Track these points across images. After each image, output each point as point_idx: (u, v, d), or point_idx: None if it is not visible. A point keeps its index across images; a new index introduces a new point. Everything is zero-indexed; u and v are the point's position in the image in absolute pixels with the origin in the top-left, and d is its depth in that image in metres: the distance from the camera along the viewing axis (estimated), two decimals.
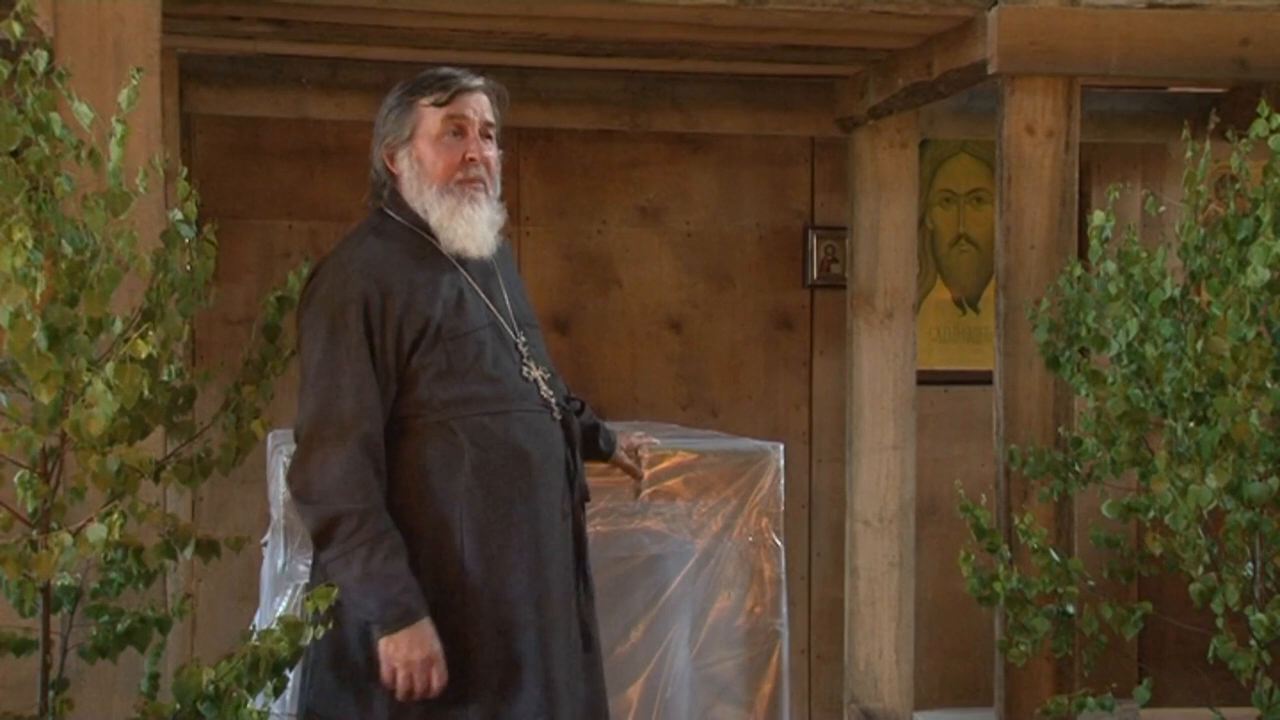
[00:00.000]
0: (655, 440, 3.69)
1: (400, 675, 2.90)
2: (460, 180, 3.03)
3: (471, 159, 3.04)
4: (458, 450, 2.97)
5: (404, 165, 3.06)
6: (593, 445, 3.41)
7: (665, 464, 3.81)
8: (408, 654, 2.88)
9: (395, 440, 2.97)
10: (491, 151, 3.09)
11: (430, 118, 3.04)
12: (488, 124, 3.08)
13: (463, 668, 2.95)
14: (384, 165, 3.09)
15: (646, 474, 3.61)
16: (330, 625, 2.76)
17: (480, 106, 3.07)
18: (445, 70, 3.09)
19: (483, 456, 2.98)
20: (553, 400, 3.13)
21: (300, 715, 3.07)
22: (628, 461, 3.56)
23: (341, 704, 2.99)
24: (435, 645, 2.90)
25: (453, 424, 2.98)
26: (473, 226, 3.03)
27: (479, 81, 3.08)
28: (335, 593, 2.71)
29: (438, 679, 2.91)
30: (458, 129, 3.04)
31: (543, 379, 3.12)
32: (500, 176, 3.12)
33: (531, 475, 3.04)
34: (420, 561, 2.94)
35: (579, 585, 3.17)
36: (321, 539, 2.91)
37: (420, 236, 3.05)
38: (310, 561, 3.13)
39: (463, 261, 3.06)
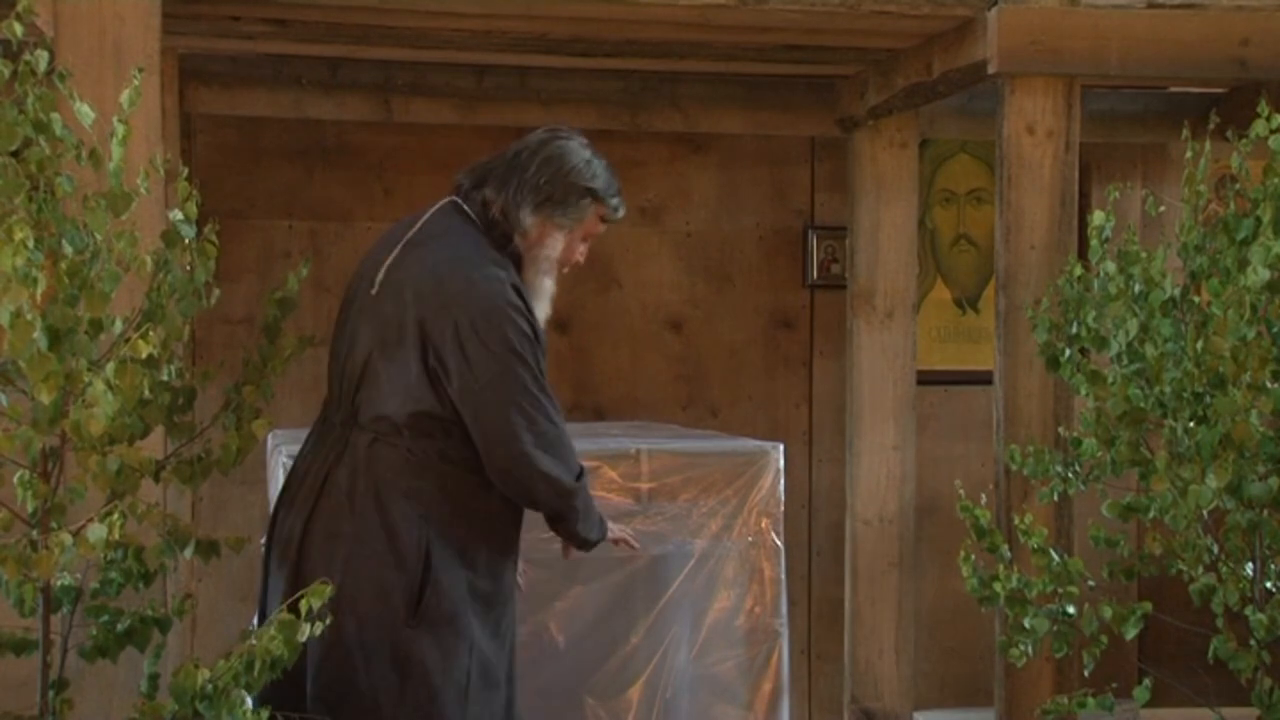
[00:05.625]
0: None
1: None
2: (560, 269, 3.35)
3: (577, 263, 3.39)
4: None
5: (545, 237, 3.31)
6: None
7: (666, 464, 3.81)
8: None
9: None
10: None
11: (591, 224, 3.37)
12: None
13: (500, 659, 3.25)
14: (533, 227, 3.29)
15: None
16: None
17: None
18: (618, 190, 3.39)
19: None
20: None
21: None
22: None
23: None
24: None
25: None
26: (545, 304, 3.33)
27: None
28: (328, 589, 2.69)
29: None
30: (588, 236, 3.39)
31: None
32: None
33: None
34: (479, 564, 3.22)
35: None
36: (582, 510, 3.29)
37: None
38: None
39: None
